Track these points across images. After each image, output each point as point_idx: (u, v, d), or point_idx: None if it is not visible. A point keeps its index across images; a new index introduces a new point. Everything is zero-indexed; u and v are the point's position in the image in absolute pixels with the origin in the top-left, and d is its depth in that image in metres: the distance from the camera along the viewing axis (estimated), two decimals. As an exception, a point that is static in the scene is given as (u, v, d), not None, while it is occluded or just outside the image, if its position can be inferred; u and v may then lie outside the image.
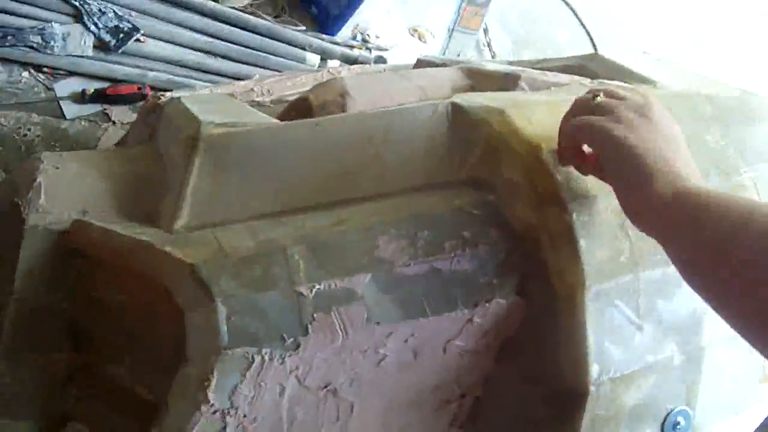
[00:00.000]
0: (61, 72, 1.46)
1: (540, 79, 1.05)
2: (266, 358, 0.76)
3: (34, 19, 1.45)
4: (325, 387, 0.81)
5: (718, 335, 0.90)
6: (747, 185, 0.94)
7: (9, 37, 1.40)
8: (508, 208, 0.85)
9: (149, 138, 1.04)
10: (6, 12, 1.43)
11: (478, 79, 1.08)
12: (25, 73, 1.44)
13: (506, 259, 0.84)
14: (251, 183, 0.86)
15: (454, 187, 0.88)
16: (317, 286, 0.78)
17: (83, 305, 0.87)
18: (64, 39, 1.45)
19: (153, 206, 0.89)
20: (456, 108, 0.90)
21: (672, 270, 0.82)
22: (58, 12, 1.47)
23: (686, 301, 0.87)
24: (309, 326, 0.77)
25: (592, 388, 0.82)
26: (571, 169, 0.84)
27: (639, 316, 0.84)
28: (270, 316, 0.76)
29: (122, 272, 0.83)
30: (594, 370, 0.82)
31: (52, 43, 1.44)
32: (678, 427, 0.89)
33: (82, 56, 1.46)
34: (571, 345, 0.82)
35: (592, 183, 0.84)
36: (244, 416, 0.78)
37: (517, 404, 0.88)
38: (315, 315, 0.77)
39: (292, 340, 0.77)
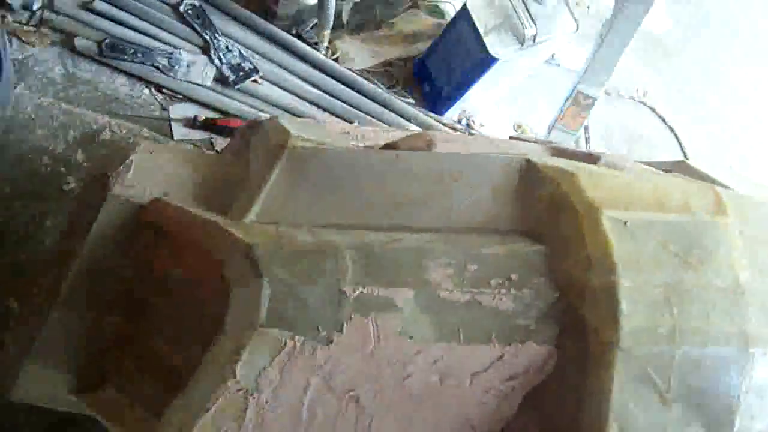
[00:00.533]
0: (179, 96, 1.54)
1: (619, 164, 1.08)
2: (298, 345, 0.79)
3: (166, 43, 1.55)
4: (349, 392, 0.83)
5: (750, 432, 0.89)
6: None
7: (139, 55, 1.51)
8: (560, 261, 0.87)
9: (243, 149, 1.09)
10: (142, 32, 1.54)
11: (561, 155, 1.11)
12: (146, 90, 1.53)
13: (549, 308, 0.85)
14: (323, 196, 0.91)
15: (512, 234, 0.91)
16: (360, 289, 0.81)
17: (143, 275, 0.92)
18: (188, 66, 1.55)
19: (228, 202, 0.94)
20: (529, 164, 0.93)
21: (712, 354, 0.82)
22: (189, 41, 1.57)
23: (723, 389, 0.86)
24: (345, 325, 0.80)
25: (608, 451, 0.82)
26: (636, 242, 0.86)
27: (669, 390, 0.84)
28: (310, 306, 0.80)
29: (184, 246, 0.88)
30: (613, 431, 0.82)
31: (176, 67, 1.53)
32: None
33: (201, 85, 1.55)
34: (594, 403, 0.83)
35: (647, 256, 0.86)
36: (266, 402, 0.81)
37: (532, 455, 0.88)
38: (353, 315, 0.80)
39: (325, 333, 0.80)
